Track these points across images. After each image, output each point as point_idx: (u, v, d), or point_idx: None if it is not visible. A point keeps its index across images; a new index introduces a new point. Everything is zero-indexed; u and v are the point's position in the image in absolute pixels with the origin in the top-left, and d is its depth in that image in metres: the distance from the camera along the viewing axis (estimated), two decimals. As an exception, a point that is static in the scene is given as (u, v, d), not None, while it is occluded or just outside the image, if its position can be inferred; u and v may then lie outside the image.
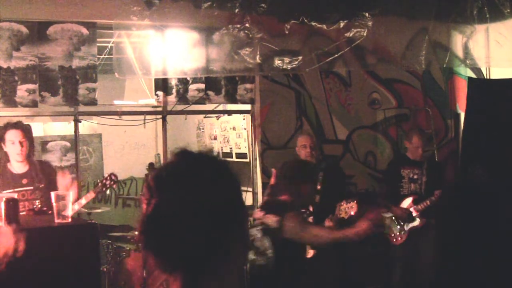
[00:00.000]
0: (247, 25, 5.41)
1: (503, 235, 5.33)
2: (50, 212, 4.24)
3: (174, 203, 1.19)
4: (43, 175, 4.53)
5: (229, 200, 1.23)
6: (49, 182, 4.53)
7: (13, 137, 4.39)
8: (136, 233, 5.09)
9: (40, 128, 6.90)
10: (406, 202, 5.41)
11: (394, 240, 5.45)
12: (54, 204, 3.67)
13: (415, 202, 5.36)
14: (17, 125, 4.46)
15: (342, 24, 5.37)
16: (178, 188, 1.19)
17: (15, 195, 3.77)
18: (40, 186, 4.50)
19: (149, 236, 1.21)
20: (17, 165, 4.50)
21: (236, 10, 5.29)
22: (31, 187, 4.48)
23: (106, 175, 4.91)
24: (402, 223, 5.39)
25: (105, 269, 5.03)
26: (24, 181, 4.48)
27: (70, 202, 3.71)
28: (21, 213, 3.67)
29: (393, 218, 5.44)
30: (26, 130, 4.49)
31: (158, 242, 1.20)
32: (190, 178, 1.21)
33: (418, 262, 5.41)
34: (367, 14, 5.22)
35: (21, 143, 4.39)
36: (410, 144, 5.53)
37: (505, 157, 5.77)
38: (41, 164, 4.66)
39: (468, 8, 5.45)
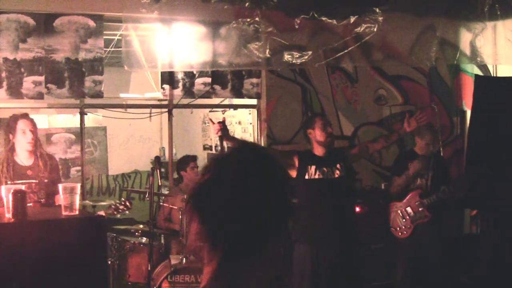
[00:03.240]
0: (256, 19, 5.38)
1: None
2: (57, 204, 4.24)
3: (226, 179, 1.27)
4: (47, 168, 4.55)
5: (276, 196, 1.28)
6: (53, 176, 4.56)
7: (24, 126, 4.45)
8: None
9: (45, 120, 6.88)
10: (412, 196, 5.38)
11: (400, 234, 5.41)
12: (61, 196, 3.66)
13: (421, 196, 5.34)
14: (27, 116, 4.55)
15: (352, 20, 5.34)
16: (232, 169, 1.28)
17: (23, 187, 3.76)
18: (45, 179, 4.51)
19: (197, 202, 1.27)
20: (24, 157, 4.50)
21: (246, 4, 5.26)
22: (36, 180, 4.49)
23: (122, 199, 4.90)
24: (408, 217, 5.36)
25: (109, 262, 5.01)
26: (29, 172, 4.49)
27: (78, 195, 3.70)
28: (28, 205, 3.67)
29: (399, 211, 5.41)
30: (33, 122, 4.55)
31: (205, 209, 1.26)
32: (244, 164, 1.30)
33: (422, 258, 5.37)
34: (377, 10, 5.18)
35: (32, 132, 4.46)
36: (422, 141, 5.46)
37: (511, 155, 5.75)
38: (48, 158, 4.66)
39: (479, 5, 5.42)
